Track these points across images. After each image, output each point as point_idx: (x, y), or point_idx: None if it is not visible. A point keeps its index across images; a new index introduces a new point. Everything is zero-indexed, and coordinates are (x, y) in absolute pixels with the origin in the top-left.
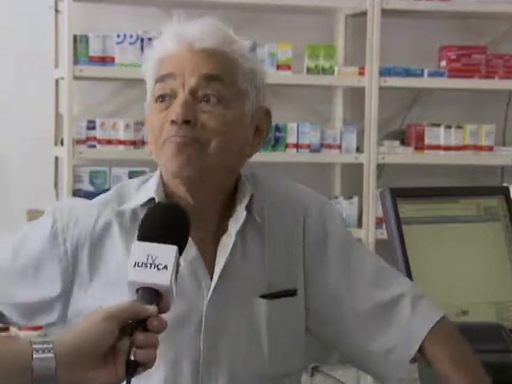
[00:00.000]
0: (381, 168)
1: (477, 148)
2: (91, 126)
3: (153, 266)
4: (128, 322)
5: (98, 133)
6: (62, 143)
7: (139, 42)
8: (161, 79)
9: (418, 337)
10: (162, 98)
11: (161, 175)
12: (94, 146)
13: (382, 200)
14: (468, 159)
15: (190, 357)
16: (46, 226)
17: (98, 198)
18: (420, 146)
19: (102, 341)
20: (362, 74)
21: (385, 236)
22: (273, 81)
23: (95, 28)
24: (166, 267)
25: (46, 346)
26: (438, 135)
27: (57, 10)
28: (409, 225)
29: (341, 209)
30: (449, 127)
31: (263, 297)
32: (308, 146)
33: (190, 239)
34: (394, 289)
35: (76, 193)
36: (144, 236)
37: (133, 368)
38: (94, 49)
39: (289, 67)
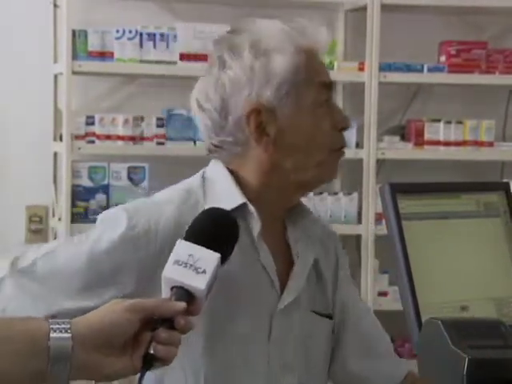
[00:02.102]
0: (380, 163)
1: (477, 143)
2: (90, 121)
3: (192, 268)
4: (152, 317)
5: (96, 128)
6: (60, 139)
7: (138, 37)
8: (328, 86)
9: (398, 374)
10: (324, 102)
11: (236, 178)
12: (92, 142)
13: (382, 195)
14: (468, 155)
15: (259, 365)
16: (123, 229)
17: (168, 197)
18: (420, 142)
19: (121, 329)
20: (361, 69)
21: (384, 232)
22: None
23: (94, 23)
24: (204, 271)
25: (63, 325)
26: (437, 131)
27: (55, 5)
28: (408, 220)
29: (340, 205)
30: (449, 123)
31: (313, 311)
32: None
33: (265, 246)
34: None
35: (75, 188)
36: (191, 236)
37: (150, 362)
38: (93, 44)
39: None
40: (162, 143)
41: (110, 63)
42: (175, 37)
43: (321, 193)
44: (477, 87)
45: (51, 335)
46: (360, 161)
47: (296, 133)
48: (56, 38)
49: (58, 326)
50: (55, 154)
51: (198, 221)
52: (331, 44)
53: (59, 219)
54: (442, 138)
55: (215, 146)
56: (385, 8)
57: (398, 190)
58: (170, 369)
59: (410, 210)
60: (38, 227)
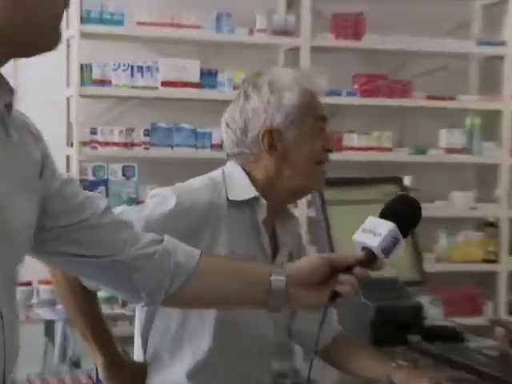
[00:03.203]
0: None
1: (380, 149)
2: (93, 131)
3: (372, 233)
4: (338, 265)
5: (98, 137)
6: (71, 145)
7: (130, 69)
8: (324, 119)
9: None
10: (320, 130)
11: (249, 177)
12: (95, 148)
13: None
14: (374, 157)
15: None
16: (173, 205)
17: (200, 184)
18: (339, 148)
19: (317, 272)
20: None
21: (314, 214)
22: (231, 98)
23: (97, 58)
24: (380, 234)
25: (280, 270)
26: (352, 139)
27: (68, 45)
28: (331, 206)
29: None
30: (360, 133)
31: None
32: None
33: (264, 231)
34: None
35: (82, 182)
36: (382, 213)
37: (334, 296)
38: (96, 74)
39: None
40: (148, 148)
41: (109, 88)
42: (157, 69)
43: None
44: (380, 108)
45: (272, 277)
46: None
47: (296, 150)
48: (68, 69)
49: (276, 269)
50: (68, 157)
51: (394, 202)
52: None
53: None
54: (355, 144)
55: (235, 153)
56: (313, 49)
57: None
58: (191, 317)
59: (333, 198)
60: None
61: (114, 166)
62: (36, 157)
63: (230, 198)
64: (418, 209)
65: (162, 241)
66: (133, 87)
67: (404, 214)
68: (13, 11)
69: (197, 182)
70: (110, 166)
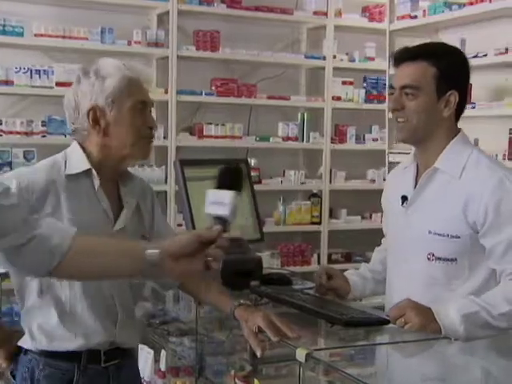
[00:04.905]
0: (178, 148)
1: (232, 137)
2: None
3: (218, 204)
4: (205, 240)
5: (3, 127)
6: None
7: (29, 72)
8: (142, 102)
9: None
10: (139, 110)
11: (86, 155)
12: (1, 135)
13: (175, 166)
14: (228, 143)
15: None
16: (14, 187)
17: (42, 165)
18: (201, 136)
19: (188, 246)
20: (166, 92)
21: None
22: None
23: (1, 63)
24: (226, 203)
25: (154, 245)
26: (211, 129)
27: None
28: (191, 181)
29: (154, 172)
30: (217, 124)
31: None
32: None
33: (104, 196)
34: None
35: None
36: (216, 186)
37: (207, 268)
38: (1, 75)
39: None
40: (45, 136)
41: (12, 87)
42: (53, 72)
43: (143, 165)
44: (232, 105)
45: (147, 251)
46: (165, 147)
47: (117, 125)
48: None
49: (151, 244)
50: None
51: (220, 176)
52: (150, 78)
53: None
54: (213, 133)
55: (73, 130)
56: (179, 58)
57: (185, 163)
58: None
59: (193, 175)
60: None
61: (16, 150)
62: None
63: (66, 173)
64: (239, 171)
65: (41, 226)
66: (32, 86)
67: (232, 179)
68: None
69: (39, 164)
70: (14, 150)
